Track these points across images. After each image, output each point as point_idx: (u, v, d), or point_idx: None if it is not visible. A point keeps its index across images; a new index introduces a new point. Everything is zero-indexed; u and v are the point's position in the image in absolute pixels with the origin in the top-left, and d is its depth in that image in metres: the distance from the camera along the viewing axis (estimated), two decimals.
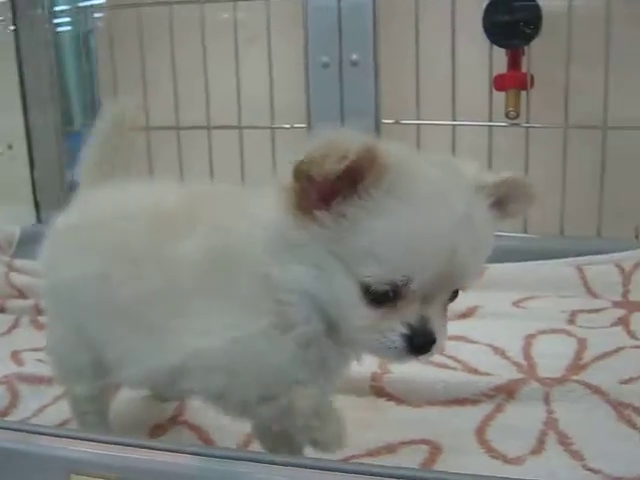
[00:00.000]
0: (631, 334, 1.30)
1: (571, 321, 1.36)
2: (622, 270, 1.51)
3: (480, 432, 1.01)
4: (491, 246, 0.72)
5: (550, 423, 1.02)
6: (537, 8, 1.55)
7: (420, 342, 0.69)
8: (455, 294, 0.73)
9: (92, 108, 1.97)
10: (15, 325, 1.45)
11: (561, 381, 1.10)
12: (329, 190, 0.66)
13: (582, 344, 1.25)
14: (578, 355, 1.22)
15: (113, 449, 0.69)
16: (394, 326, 0.69)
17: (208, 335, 0.74)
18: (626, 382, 1.12)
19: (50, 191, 1.96)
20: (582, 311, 1.39)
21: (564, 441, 0.97)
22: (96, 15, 1.94)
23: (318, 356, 0.76)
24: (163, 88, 1.79)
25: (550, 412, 1.05)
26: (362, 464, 0.85)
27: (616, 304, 1.43)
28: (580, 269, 1.51)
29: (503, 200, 0.74)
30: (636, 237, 1.62)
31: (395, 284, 0.67)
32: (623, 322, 1.34)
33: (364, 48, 1.65)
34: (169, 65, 1.78)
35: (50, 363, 1.03)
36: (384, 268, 0.66)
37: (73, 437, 0.72)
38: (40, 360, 1.23)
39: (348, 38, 1.66)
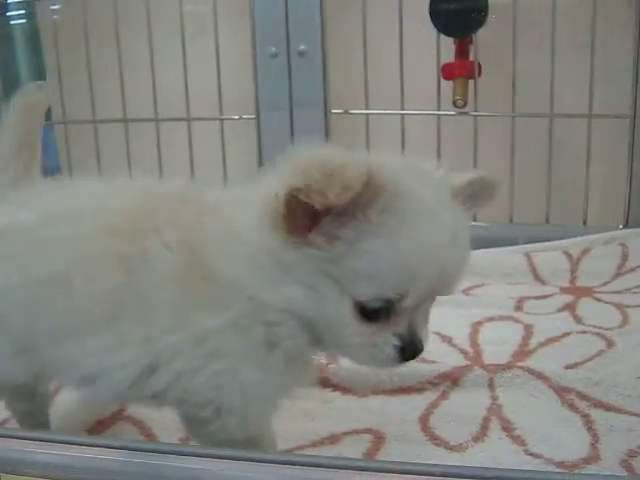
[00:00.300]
0: (577, 319, 1.31)
1: (518, 308, 1.37)
2: (570, 257, 1.53)
3: (424, 420, 1.01)
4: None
5: (494, 409, 1.02)
6: None
7: (411, 351, 0.72)
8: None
9: None
10: None
11: (505, 367, 1.10)
12: (321, 211, 0.65)
13: (528, 330, 1.25)
14: (524, 341, 1.22)
15: (41, 446, 0.67)
16: (387, 339, 0.70)
17: (192, 362, 0.73)
18: (571, 367, 1.13)
19: None
20: (529, 298, 1.40)
21: (506, 427, 0.98)
22: (52, 7, 1.90)
23: (301, 365, 0.77)
24: (110, 81, 1.77)
25: (494, 398, 1.05)
26: (300, 455, 0.84)
27: (563, 290, 1.44)
28: (528, 256, 1.53)
29: (469, 198, 0.74)
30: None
31: (390, 301, 0.68)
32: (570, 308, 1.35)
33: (312, 38, 1.64)
34: (116, 58, 1.75)
35: None
36: (380, 287, 0.67)
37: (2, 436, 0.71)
38: None
39: (295, 28, 1.64)
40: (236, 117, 1.74)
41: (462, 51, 1.63)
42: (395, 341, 0.70)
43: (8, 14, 1.97)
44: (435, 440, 0.97)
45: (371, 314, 0.69)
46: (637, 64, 1.56)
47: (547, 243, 1.55)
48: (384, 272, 0.66)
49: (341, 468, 0.67)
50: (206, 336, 0.72)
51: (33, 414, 0.94)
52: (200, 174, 1.77)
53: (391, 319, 0.70)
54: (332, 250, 0.66)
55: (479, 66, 1.61)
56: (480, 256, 1.53)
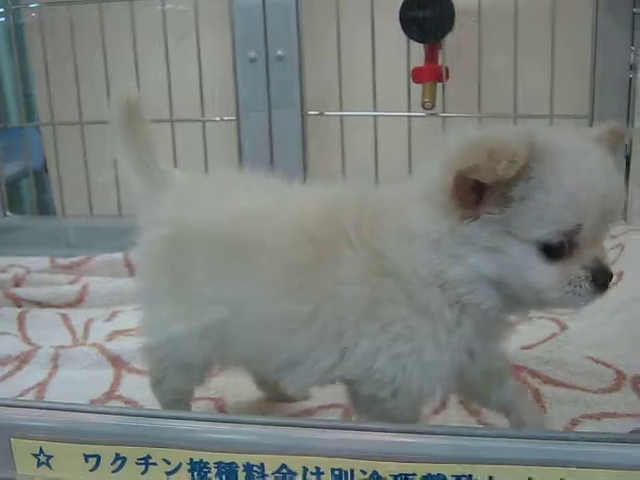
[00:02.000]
0: None
1: None
2: None
3: None
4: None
5: None
6: (449, 4, 1.65)
7: (604, 278, 0.76)
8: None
9: (27, 104, 2.01)
10: None
11: None
12: (488, 185, 0.73)
13: None
14: None
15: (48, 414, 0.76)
16: (577, 273, 0.75)
17: (377, 354, 0.81)
18: (527, 348, 1.23)
19: None
20: None
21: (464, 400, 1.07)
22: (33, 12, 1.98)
23: (492, 326, 0.83)
24: (97, 83, 1.84)
25: None
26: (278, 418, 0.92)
27: None
28: None
29: (610, 147, 0.80)
30: None
31: (569, 234, 0.74)
32: None
33: (289, 43, 1.73)
34: (101, 59, 1.83)
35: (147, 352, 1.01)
36: (558, 223, 0.73)
37: (10, 405, 0.79)
38: None
39: (273, 34, 1.73)
40: (217, 119, 1.83)
41: (431, 56, 1.72)
42: (585, 272, 0.75)
43: None
44: None
45: (555, 251, 0.75)
46: (594, 67, 1.66)
47: None
48: (558, 210, 0.73)
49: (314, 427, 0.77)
50: (391, 323, 0.81)
51: (187, 394, 1.02)
52: (183, 172, 1.84)
53: (574, 254, 0.75)
54: (505, 210, 0.74)
55: (447, 70, 1.70)
56: None
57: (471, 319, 0.80)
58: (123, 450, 0.76)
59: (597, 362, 1.18)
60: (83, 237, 1.88)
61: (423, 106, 1.68)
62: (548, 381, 1.12)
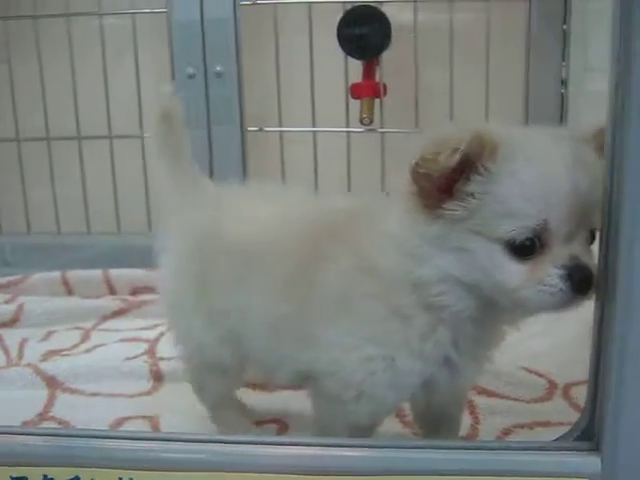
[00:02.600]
0: None
1: None
2: None
3: None
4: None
5: None
6: (386, 21, 1.67)
7: (580, 276, 0.71)
8: (592, 236, 0.76)
9: None
10: None
11: None
12: (449, 180, 0.72)
13: None
14: None
15: None
16: (549, 271, 0.71)
17: (349, 351, 0.81)
18: None
19: None
20: None
21: (399, 412, 1.08)
22: None
23: (471, 335, 0.80)
24: (34, 100, 1.82)
25: None
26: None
27: None
28: None
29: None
30: None
31: (536, 230, 0.71)
32: None
33: (228, 60, 1.74)
34: (39, 76, 1.81)
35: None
36: (520, 219, 0.71)
37: None
38: None
39: (212, 50, 1.74)
40: None
41: (369, 72, 1.74)
42: (558, 271, 0.71)
43: None
44: None
45: (522, 250, 0.72)
46: (527, 82, 1.70)
47: None
48: (518, 206, 0.71)
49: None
50: (366, 322, 0.81)
51: (229, 394, 1.07)
52: (122, 189, 1.84)
53: (546, 253, 0.72)
54: (468, 206, 0.72)
55: (384, 86, 1.72)
56: None
57: (446, 326, 0.79)
58: (51, 471, 0.75)
59: (531, 372, 1.21)
60: (21, 255, 1.85)
61: (361, 122, 1.70)
62: (482, 392, 1.14)
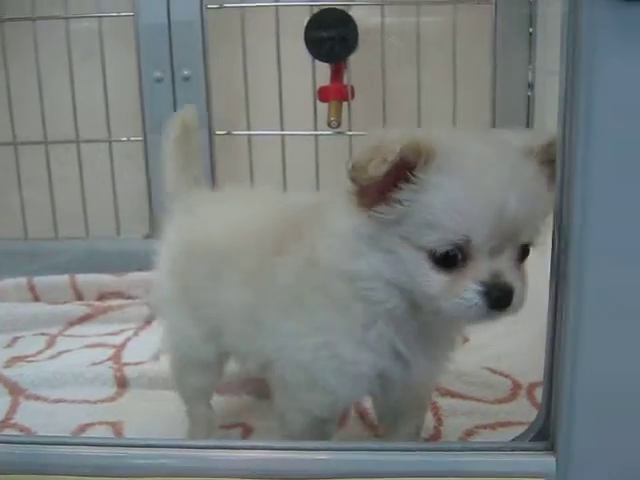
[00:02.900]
0: None
1: None
2: None
3: None
4: (543, 199, 0.75)
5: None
6: (353, 24, 1.67)
7: (496, 295, 0.73)
8: (526, 251, 0.77)
9: None
10: None
11: None
12: (380, 186, 0.73)
13: None
14: None
15: None
16: (467, 285, 0.73)
17: (299, 337, 0.84)
18: None
19: None
20: None
21: (361, 414, 1.08)
22: None
23: (411, 335, 0.82)
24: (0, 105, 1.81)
25: None
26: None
27: None
28: None
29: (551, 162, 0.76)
30: None
31: (458, 244, 0.72)
32: None
33: (195, 63, 1.74)
34: (4, 82, 1.79)
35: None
36: (442, 232, 0.72)
37: None
38: None
39: (179, 54, 1.73)
40: (124, 139, 1.81)
41: (337, 75, 1.74)
42: (476, 286, 0.73)
43: None
44: None
45: (445, 261, 0.73)
46: (494, 84, 1.71)
47: None
48: (442, 219, 0.72)
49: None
50: (315, 312, 0.83)
51: (206, 391, 1.09)
52: (90, 193, 1.83)
53: (468, 266, 0.73)
54: (397, 213, 0.74)
55: (352, 88, 1.72)
56: None
57: (388, 319, 0.80)
58: (8, 479, 0.74)
59: (495, 373, 1.21)
60: None
61: (329, 124, 1.70)
62: (446, 393, 1.15)
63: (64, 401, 1.16)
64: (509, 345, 1.31)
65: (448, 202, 0.72)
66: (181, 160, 1.11)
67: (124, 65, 1.80)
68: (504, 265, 0.74)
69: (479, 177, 0.72)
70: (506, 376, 1.20)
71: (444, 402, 1.12)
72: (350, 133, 1.74)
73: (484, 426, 1.06)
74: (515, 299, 0.74)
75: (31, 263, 1.78)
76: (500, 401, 1.13)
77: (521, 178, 0.74)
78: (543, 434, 0.78)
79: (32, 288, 1.59)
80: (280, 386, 0.90)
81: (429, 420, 1.06)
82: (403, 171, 0.72)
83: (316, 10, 1.70)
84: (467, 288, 0.73)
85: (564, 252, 0.71)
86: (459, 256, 0.73)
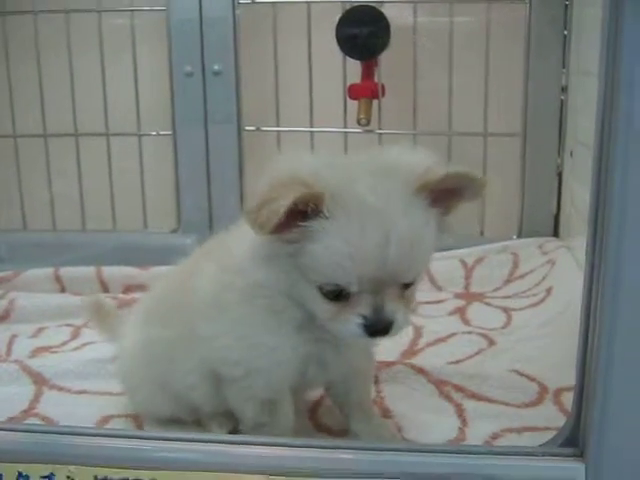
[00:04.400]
0: (465, 322, 1.42)
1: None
2: (465, 265, 1.64)
3: (313, 411, 1.09)
4: (429, 241, 0.79)
5: (377, 401, 1.11)
6: (385, 22, 1.66)
7: (374, 328, 0.80)
8: (411, 282, 0.81)
9: None
10: None
11: (390, 364, 1.19)
12: (278, 226, 0.76)
13: (418, 332, 1.35)
14: (414, 341, 1.32)
15: None
16: (350, 318, 0.79)
17: (224, 335, 0.90)
18: (453, 363, 1.24)
19: None
20: (424, 303, 1.50)
21: (385, 415, 1.07)
22: None
23: (313, 337, 0.88)
24: (32, 96, 1.82)
25: (379, 391, 1.14)
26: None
27: (457, 295, 1.55)
28: None
29: (453, 191, 0.80)
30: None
31: (340, 287, 0.78)
32: (460, 311, 1.47)
33: (226, 59, 1.73)
34: (37, 73, 1.80)
35: None
36: (325, 277, 0.79)
37: None
38: None
39: (210, 49, 1.73)
40: (154, 133, 1.81)
41: (368, 73, 1.73)
42: (358, 320, 0.79)
43: None
44: (319, 427, 1.06)
45: (330, 295, 0.80)
46: (526, 87, 1.69)
47: (444, 252, 1.65)
48: (323, 267, 0.78)
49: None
50: (228, 308, 0.89)
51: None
52: (119, 187, 1.83)
53: (353, 300, 0.79)
54: (288, 249, 0.79)
55: (382, 87, 1.71)
56: None
57: (298, 311, 0.86)
58: (26, 468, 0.74)
59: (522, 376, 1.19)
60: (16, 252, 1.84)
61: (358, 122, 1.69)
62: (472, 396, 1.12)
63: (87, 392, 1.15)
64: (537, 348, 1.28)
65: (329, 255, 0.77)
66: None
67: (155, 59, 1.80)
68: (388, 297, 0.79)
69: (361, 230, 0.76)
70: (533, 380, 1.17)
71: (470, 404, 1.10)
72: (380, 131, 1.74)
73: (510, 430, 1.03)
74: (394, 327, 0.80)
75: (59, 255, 1.78)
76: (526, 405, 1.11)
77: (404, 228, 0.76)
78: (572, 440, 0.77)
79: (58, 279, 1.60)
80: (225, 384, 0.94)
81: (454, 421, 1.05)
82: (293, 217, 0.76)
83: (348, 7, 1.69)
84: (349, 320, 0.80)
85: (599, 255, 0.70)
86: (342, 293, 0.79)
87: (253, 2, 1.73)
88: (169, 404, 1.01)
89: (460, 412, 1.08)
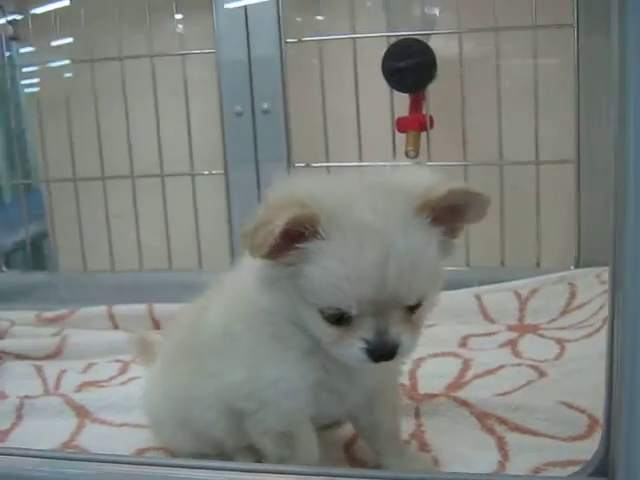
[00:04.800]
0: (516, 354, 1.37)
1: (463, 344, 1.43)
2: (519, 296, 1.59)
3: (348, 446, 1.07)
4: (431, 262, 0.77)
5: (417, 434, 1.08)
6: (431, 54, 1.66)
7: (378, 353, 0.77)
8: (416, 305, 0.79)
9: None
10: None
11: (432, 396, 1.16)
12: (275, 249, 0.75)
13: (467, 364, 1.32)
14: (461, 374, 1.29)
15: None
16: (353, 342, 0.77)
17: (233, 368, 0.89)
18: (500, 395, 1.19)
19: None
20: (475, 335, 1.46)
21: (423, 448, 1.04)
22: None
23: (321, 364, 0.86)
24: (90, 141, 1.88)
25: (419, 425, 1.11)
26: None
27: (510, 328, 1.50)
28: (479, 297, 1.59)
29: (457, 210, 0.78)
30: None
31: (341, 310, 0.76)
32: (511, 343, 1.41)
33: (274, 97, 1.76)
34: (94, 119, 1.87)
35: None
36: (324, 301, 0.76)
37: None
38: None
39: (259, 88, 1.76)
40: (206, 172, 1.85)
41: (415, 105, 1.73)
42: (360, 344, 0.77)
43: None
44: (355, 461, 1.03)
45: (332, 319, 0.77)
46: (578, 112, 1.65)
47: (498, 284, 1.61)
48: (321, 289, 0.76)
49: None
50: (236, 338, 0.88)
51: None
52: (174, 226, 1.87)
53: (355, 324, 0.77)
54: (286, 272, 0.78)
55: (431, 119, 1.70)
56: None
57: (304, 337, 0.83)
58: None
59: (571, 408, 1.13)
60: (76, 292, 1.89)
61: (406, 155, 1.67)
62: (515, 428, 1.08)
63: (127, 425, 1.16)
64: (590, 380, 1.22)
65: (326, 277, 0.75)
66: None
67: (206, 101, 1.84)
68: (392, 321, 0.77)
69: (358, 250, 0.74)
70: (583, 412, 1.12)
71: (512, 437, 1.05)
72: (429, 164, 1.71)
73: (554, 464, 0.98)
74: (400, 351, 0.78)
75: (117, 295, 1.82)
76: (574, 438, 1.05)
77: (404, 248, 0.74)
78: (602, 469, 0.73)
79: (111, 316, 1.63)
80: (242, 418, 0.91)
81: (494, 455, 1.01)
82: (290, 239, 0.75)
83: (393, 40, 1.69)
84: (352, 345, 0.77)
85: (619, 289, 0.67)
86: (344, 317, 0.77)
87: (300, 40, 1.75)
88: (191, 440, 1.00)
89: (502, 445, 1.04)
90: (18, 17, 1.97)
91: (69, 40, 1.90)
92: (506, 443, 1.04)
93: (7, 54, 1.99)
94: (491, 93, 1.68)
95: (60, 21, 1.85)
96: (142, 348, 1.29)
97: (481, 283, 1.65)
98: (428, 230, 0.77)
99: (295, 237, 0.75)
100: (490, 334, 1.47)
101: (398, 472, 0.89)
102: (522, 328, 1.49)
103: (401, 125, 1.71)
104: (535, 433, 1.07)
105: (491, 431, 1.08)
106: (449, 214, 0.78)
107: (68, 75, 1.95)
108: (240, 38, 1.74)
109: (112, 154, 1.88)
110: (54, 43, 1.87)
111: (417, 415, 1.13)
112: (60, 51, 1.88)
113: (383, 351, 0.77)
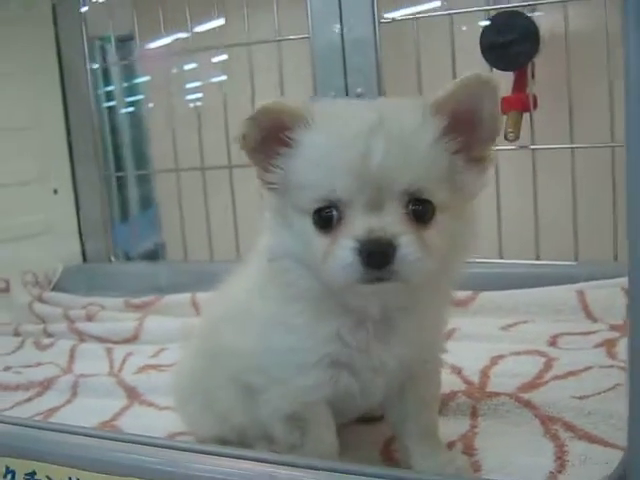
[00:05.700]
0: (611, 355, 1.21)
1: (552, 343, 1.29)
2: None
3: (386, 445, 0.97)
4: (430, 148, 0.72)
5: (467, 435, 0.96)
6: (534, 26, 1.52)
7: (368, 249, 0.69)
8: (424, 210, 0.72)
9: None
10: (20, 346, 1.55)
11: (492, 395, 1.04)
12: (268, 150, 0.75)
13: (549, 364, 1.18)
14: (540, 374, 1.15)
15: None
16: (343, 243, 0.70)
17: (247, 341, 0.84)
18: (576, 398, 1.05)
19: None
20: (569, 334, 1.31)
21: (467, 452, 0.92)
22: None
23: (337, 332, 0.79)
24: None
25: (474, 426, 0.99)
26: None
27: (612, 327, 1.33)
28: (582, 293, 1.43)
29: (472, 106, 0.74)
30: None
31: (330, 200, 0.72)
32: (609, 344, 1.25)
33: (368, 81, 1.68)
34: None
35: None
36: (314, 190, 0.72)
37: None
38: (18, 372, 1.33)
39: (353, 72, 1.69)
40: None
41: (519, 84, 1.59)
42: (350, 243, 0.69)
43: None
44: (392, 462, 0.93)
45: (323, 222, 0.72)
46: None
47: (604, 280, 1.44)
48: (307, 175, 0.73)
49: None
50: (252, 308, 0.84)
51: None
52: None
53: (345, 225, 0.71)
54: (278, 178, 0.76)
55: (535, 98, 1.56)
56: (526, 294, 1.47)
57: (315, 303, 0.78)
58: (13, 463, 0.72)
59: None
60: (176, 280, 1.90)
61: (506, 137, 1.54)
62: (584, 436, 0.94)
63: (169, 408, 1.13)
64: None
65: (311, 159, 0.72)
66: None
67: (302, 87, 1.80)
68: (385, 220, 0.70)
69: (341, 130, 0.72)
70: None
71: (577, 446, 0.91)
72: (533, 147, 1.58)
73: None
74: (398, 256, 0.68)
75: (215, 283, 1.82)
76: None
77: (391, 127, 0.71)
78: (625, 477, 0.61)
79: (194, 303, 1.62)
80: (255, 399, 0.86)
81: (548, 463, 0.87)
82: (278, 134, 0.73)
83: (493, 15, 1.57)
84: (342, 247, 0.70)
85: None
86: (335, 216, 0.72)
87: (393, 20, 1.66)
88: (214, 425, 0.95)
89: (560, 454, 0.90)
90: None
91: None
92: (566, 452, 0.90)
93: None
94: (600, 69, 1.51)
95: None
96: None
97: (590, 279, 1.49)
98: (436, 128, 0.73)
99: (279, 138, 0.74)
100: (587, 333, 1.32)
101: (399, 472, 0.79)
102: (625, 328, 1.32)
103: (504, 105, 1.57)
104: (605, 443, 0.92)
105: (554, 437, 0.94)
106: (463, 126, 0.74)
107: None
108: (333, 21, 1.68)
109: (211, 144, 1.89)
110: None
111: (474, 415, 1.02)
112: None
113: (374, 247, 0.68)
